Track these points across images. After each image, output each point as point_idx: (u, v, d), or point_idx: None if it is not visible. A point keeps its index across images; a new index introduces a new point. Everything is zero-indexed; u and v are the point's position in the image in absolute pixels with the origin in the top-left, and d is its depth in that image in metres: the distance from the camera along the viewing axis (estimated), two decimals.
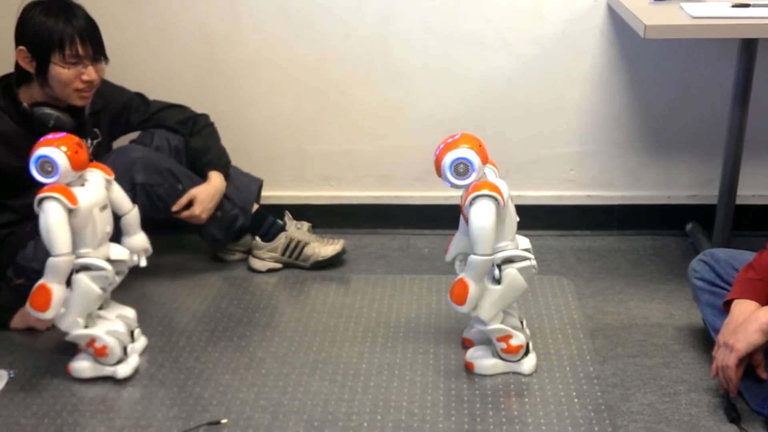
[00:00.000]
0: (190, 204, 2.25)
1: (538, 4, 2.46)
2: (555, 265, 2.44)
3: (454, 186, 1.75)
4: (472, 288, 1.73)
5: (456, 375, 1.87)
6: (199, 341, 2.04)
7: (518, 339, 1.83)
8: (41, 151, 1.75)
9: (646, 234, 2.62)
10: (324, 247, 2.41)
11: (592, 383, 1.83)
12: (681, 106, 2.54)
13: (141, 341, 1.99)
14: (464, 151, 1.72)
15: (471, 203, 1.71)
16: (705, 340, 1.95)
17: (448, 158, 1.73)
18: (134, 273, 2.36)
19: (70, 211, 1.74)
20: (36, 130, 2.03)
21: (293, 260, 2.40)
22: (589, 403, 1.76)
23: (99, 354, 1.85)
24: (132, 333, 1.95)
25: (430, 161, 2.63)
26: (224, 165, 2.34)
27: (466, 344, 1.95)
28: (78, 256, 1.79)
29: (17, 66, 2.04)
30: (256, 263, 2.41)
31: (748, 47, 2.20)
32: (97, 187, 1.83)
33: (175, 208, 2.23)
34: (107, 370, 1.86)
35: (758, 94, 2.36)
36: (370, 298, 2.24)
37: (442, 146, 1.76)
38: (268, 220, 2.41)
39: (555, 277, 2.34)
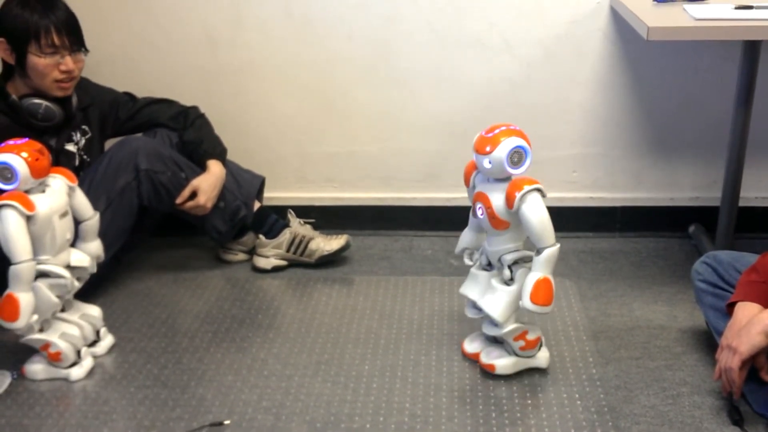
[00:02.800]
0: (193, 195, 2.26)
1: (541, 6, 2.46)
2: (558, 266, 2.38)
3: (509, 175, 1.72)
4: (554, 283, 1.73)
5: (459, 377, 1.87)
6: (201, 342, 2.04)
7: (534, 332, 1.83)
8: (1, 157, 1.74)
9: (648, 236, 2.62)
10: (328, 242, 2.42)
11: (595, 385, 1.83)
12: (684, 107, 2.53)
13: (107, 340, 1.99)
14: (519, 140, 1.70)
15: (521, 201, 1.69)
16: (708, 342, 1.95)
17: (505, 147, 1.69)
18: (137, 273, 2.39)
19: (29, 218, 1.74)
20: (25, 121, 2.09)
21: (298, 256, 2.41)
22: (592, 405, 1.76)
23: (53, 359, 1.86)
24: (98, 332, 1.96)
25: (434, 163, 2.67)
26: (220, 153, 2.36)
27: (471, 358, 1.93)
28: (37, 263, 1.79)
29: (2, 60, 2.09)
30: (261, 261, 2.41)
31: (751, 49, 2.20)
32: (58, 194, 1.83)
33: (179, 201, 2.24)
34: (61, 373, 1.87)
35: (761, 95, 2.35)
36: (372, 300, 2.25)
37: (488, 135, 1.71)
38: (270, 218, 2.42)
39: (558, 279, 2.30)
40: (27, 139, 1.81)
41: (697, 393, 1.80)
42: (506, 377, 1.85)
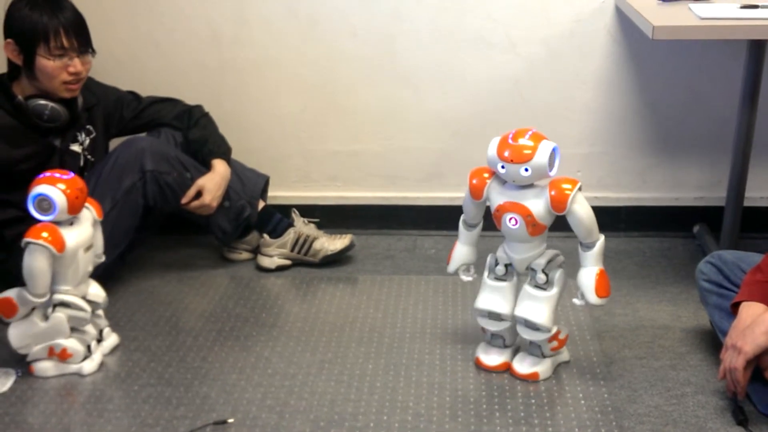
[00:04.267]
0: (198, 195, 2.26)
1: (546, 5, 2.45)
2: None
3: (540, 179, 1.72)
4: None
5: (462, 376, 1.87)
6: (205, 341, 2.04)
7: (564, 331, 1.84)
8: (42, 189, 1.75)
9: (653, 236, 2.61)
10: (332, 242, 2.42)
11: (599, 385, 1.83)
12: (689, 107, 2.53)
13: (111, 339, 1.99)
14: (550, 143, 1.70)
15: (573, 201, 1.71)
16: (712, 342, 1.95)
17: (544, 152, 1.68)
18: (142, 272, 2.39)
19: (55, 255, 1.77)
20: (31, 122, 2.09)
21: (302, 256, 2.41)
22: (596, 405, 1.76)
23: (63, 358, 1.86)
24: (101, 331, 1.96)
25: (438, 162, 2.67)
26: (225, 152, 2.36)
27: (496, 369, 1.87)
28: (57, 292, 1.82)
29: (9, 60, 2.08)
30: (265, 261, 2.41)
31: (756, 48, 2.19)
32: (85, 227, 1.85)
33: (184, 201, 2.25)
34: (72, 368, 1.88)
35: (767, 95, 2.35)
36: (376, 299, 2.25)
37: (518, 143, 1.69)
38: (275, 217, 2.42)
39: None
40: (73, 174, 1.81)
41: (702, 393, 1.79)
42: (509, 377, 1.85)
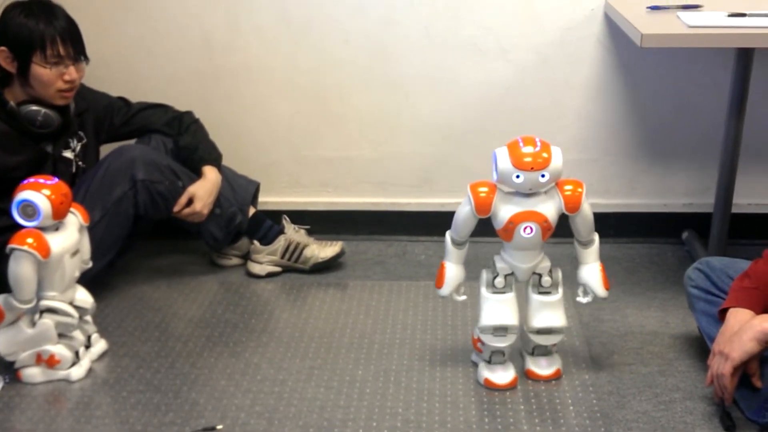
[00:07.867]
0: (189, 202, 2.25)
1: (536, 12, 2.47)
2: None
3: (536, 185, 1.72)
4: None
5: (452, 382, 1.87)
6: (195, 347, 2.04)
7: None
8: (26, 194, 1.75)
9: (642, 242, 2.62)
10: (323, 249, 2.42)
11: (588, 391, 1.83)
12: (677, 114, 2.54)
13: (99, 345, 1.98)
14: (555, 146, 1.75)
15: (584, 200, 1.76)
16: (700, 348, 1.96)
17: (558, 155, 1.71)
18: (131, 277, 2.39)
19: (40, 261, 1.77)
20: (24, 128, 2.08)
21: (292, 263, 2.40)
22: (585, 411, 1.76)
23: (52, 364, 1.85)
24: (89, 337, 1.95)
25: (428, 168, 2.67)
26: (216, 159, 2.35)
27: (509, 386, 1.82)
28: (43, 298, 1.81)
29: (0, 67, 2.07)
30: (255, 268, 2.41)
31: (744, 56, 2.21)
32: (71, 233, 1.84)
33: (176, 209, 2.24)
34: (60, 374, 1.87)
35: (754, 102, 2.36)
36: (366, 305, 2.25)
37: (535, 150, 1.69)
38: (265, 224, 2.41)
39: None
40: (57, 180, 1.81)
41: (690, 399, 1.80)
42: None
